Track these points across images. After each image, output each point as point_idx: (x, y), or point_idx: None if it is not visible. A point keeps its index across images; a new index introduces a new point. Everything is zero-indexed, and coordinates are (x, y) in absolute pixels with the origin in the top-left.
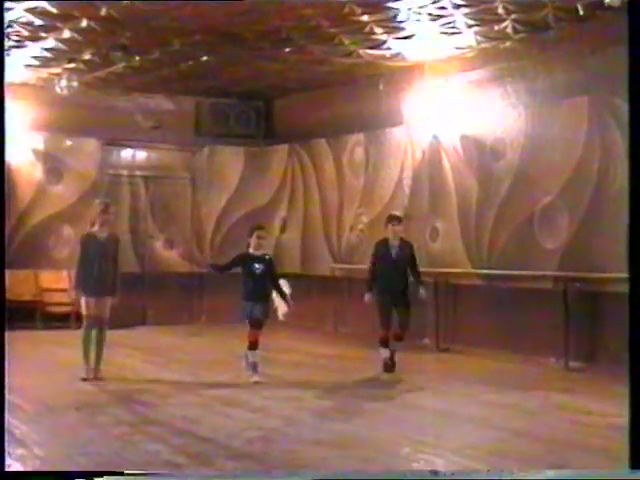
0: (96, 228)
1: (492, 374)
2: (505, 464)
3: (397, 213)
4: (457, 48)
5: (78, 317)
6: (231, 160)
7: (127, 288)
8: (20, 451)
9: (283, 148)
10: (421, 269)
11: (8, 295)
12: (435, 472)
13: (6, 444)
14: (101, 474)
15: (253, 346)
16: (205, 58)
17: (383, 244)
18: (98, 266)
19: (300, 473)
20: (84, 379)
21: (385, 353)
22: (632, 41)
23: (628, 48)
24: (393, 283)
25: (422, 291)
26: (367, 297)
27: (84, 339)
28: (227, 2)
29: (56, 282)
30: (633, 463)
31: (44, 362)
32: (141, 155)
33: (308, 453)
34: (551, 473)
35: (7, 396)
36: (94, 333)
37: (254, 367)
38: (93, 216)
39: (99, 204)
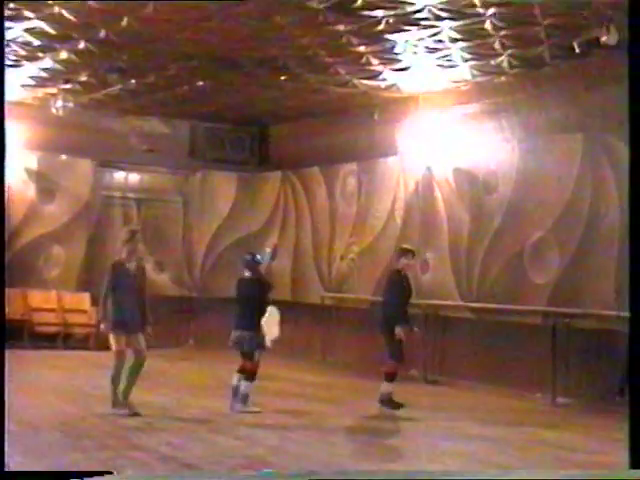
0: (123, 257)
1: (479, 408)
2: None
3: (410, 246)
4: (453, 81)
5: (66, 337)
6: (224, 185)
7: None
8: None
9: (276, 175)
10: (411, 300)
11: None
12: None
13: None
14: (101, 474)
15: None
16: (201, 83)
17: (399, 276)
18: (130, 299)
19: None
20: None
21: (389, 388)
22: (632, 70)
23: (628, 78)
24: (408, 316)
25: (415, 328)
26: (400, 331)
27: (115, 376)
28: (225, 29)
29: (45, 302)
30: (633, 463)
31: (30, 383)
32: (134, 177)
33: None
34: (551, 474)
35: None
36: (127, 364)
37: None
38: (118, 245)
39: (126, 232)
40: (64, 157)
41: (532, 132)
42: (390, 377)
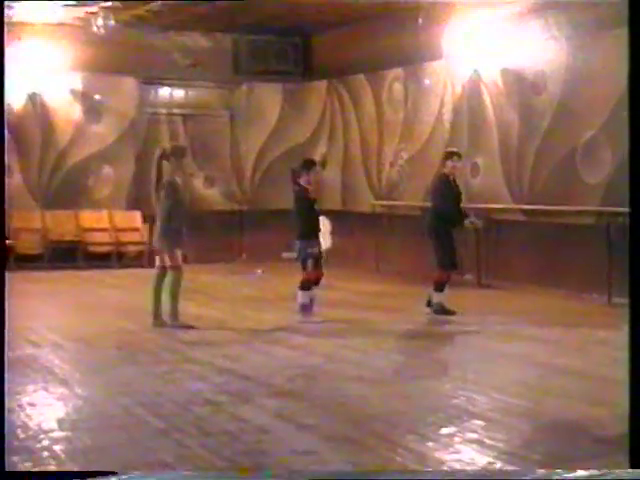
0: (171, 172)
1: (534, 310)
2: (547, 402)
3: (455, 149)
4: None
5: (119, 256)
6: (269, 97)
7: None
8: (61, 390)
9: (321, 84)
10: (462, 205)
11: (51, 235)
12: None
13: (47, 384)
14: (101, 474)
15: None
16: None
17: (446, 180)
18: (183, 216)
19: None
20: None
21: (440, 297)
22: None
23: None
24: (457, 222)
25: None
26: (475, 220)
27: (177, 291)
28: None
29: (97, 222)
30: (633, 463)
31: (86, 301)
32: (179, 93)
33: (349, 391)
34: (551, 474)
35: (49, 335)
36: (169, 280)
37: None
38: (163, 159)
39: (176, 148)
40: (108, 76)
41: (580, 29)
42: (439, 286)
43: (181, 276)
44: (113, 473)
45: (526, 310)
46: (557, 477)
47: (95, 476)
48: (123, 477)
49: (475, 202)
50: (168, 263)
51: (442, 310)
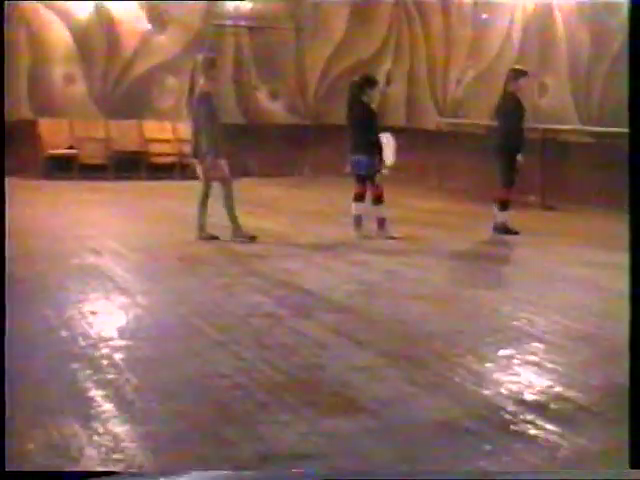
0: (203, 83)
1: (598, 234)
2: (607, 325)
3: (522, 67)
4: None
5: (182, 168)
6: (336, 10)
7: (230, 140)
8: (122, 299)
9: None
10: (529, 125)
11: (114, 145)
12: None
13: (108, 293)
14: (102, 474)
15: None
16: None
17: (512, 98)
18: (218, 126)
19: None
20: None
21: (504, 216)
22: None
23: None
24: (522, 141)
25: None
26: (521, 158)
27: (232, 203)
28: None
29: (160, 132)
30: (633, 463)
31: (148, 212)
32: (245, 5)
33: (408, 307)
34: (551, 474)
35: (111, 244)
36: (222, 193)
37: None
38: (196, 71)
39: (206, 59)
40: None
41: None
42: (504, 205)
43: (231, 186)
44: (115, 473)
45: (591, 233)
46: (558, 477)
47: (97, 476)
48: (125, 477)
49: (542, 122)
50: (214, 175)
51: (505, 229)
